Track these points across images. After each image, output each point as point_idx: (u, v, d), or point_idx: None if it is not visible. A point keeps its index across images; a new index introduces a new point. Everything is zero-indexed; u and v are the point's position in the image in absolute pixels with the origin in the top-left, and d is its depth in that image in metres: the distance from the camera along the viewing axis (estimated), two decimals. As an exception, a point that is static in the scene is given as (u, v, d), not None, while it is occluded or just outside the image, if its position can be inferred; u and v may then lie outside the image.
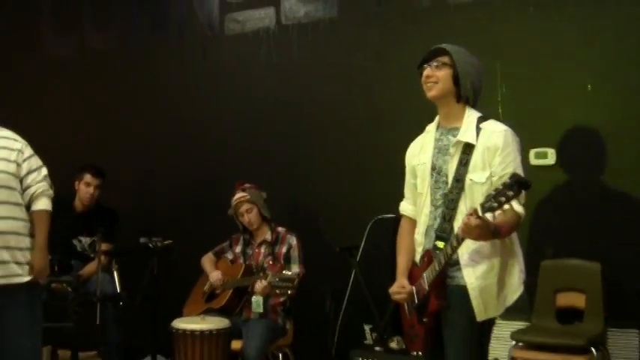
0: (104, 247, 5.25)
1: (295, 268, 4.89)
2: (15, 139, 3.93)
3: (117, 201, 5.94)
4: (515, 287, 3.13)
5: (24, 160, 3.87)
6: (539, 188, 4.73)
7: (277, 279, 4.47)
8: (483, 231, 2.88)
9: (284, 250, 5.01)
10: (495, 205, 2.79)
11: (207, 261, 5.30)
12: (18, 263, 3.78)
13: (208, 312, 4.94)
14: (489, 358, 4.54)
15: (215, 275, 5.10)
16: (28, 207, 3.89)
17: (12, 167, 3.82)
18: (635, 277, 4.49)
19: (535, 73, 4.88)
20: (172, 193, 6.21)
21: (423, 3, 5.27)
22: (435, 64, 3.20)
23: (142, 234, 5.20)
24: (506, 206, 2.80)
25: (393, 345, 4.76)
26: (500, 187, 2.79)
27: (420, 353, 3.91)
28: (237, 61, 6.04)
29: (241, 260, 5.12)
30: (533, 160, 4.76)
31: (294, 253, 5.00)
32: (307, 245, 5.09)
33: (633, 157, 4.59)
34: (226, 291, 4.99)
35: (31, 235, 3.88)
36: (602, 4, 4.72)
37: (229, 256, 5.25)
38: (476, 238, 2.96)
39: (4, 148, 3.86)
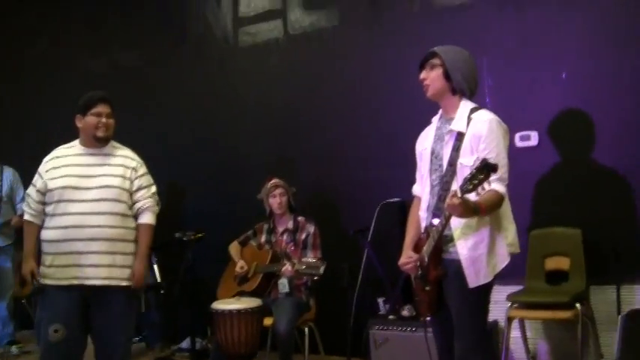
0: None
1: (310, 255, 5.15)
2: (132, 158, 4.19)
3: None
4: (503, 257, 3.37)
5: (136, 178, 4.12)
6: (525, 167, 4.94)
7: (303, 267, 4.78)
8: (465, 209, 3.15)
9: (303, 236, 5.31)
10: (470, 187, 3.04)
11: (233, 249, 5.56)
12: (124, 266, 4.02)
13: (241, 294, 5.23)
14: (489, 320, 5.10)
15: (239, 265, 5.39)
16: (136, 217, 4.13)
17: (126, 184, 4.07)
18: (611, 240, 4.80)
19: (516, 65, 5.18)
20: (200, 190, 6.53)
21: (413, 8, 5.59)
22: (427, 66, 3.51)
23: (177, 229, 5.59)
24: (480, 189, 3.03)
25: (405, 313, 5.09)
26: (474, 171, 3.03)
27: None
28: (251, 68, 6.39)
29: (267, 247, 5.39)
30: (519, 143, 5.06)
31: (311, 240, 5.28)
32: (325, 229, 5.42)
33: (604, 135, 4.89)
34: (256, 275, 5.27)
35: (136, 240, 4.12)
36: (570, 1, 5.02)
37: (254, 243, 5.52)
38: (460, 216, 3.22)
39: (122, 165, 4.11)
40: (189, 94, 6.69)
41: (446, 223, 3.32)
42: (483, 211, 3.25)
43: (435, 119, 3.64)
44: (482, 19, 5.32)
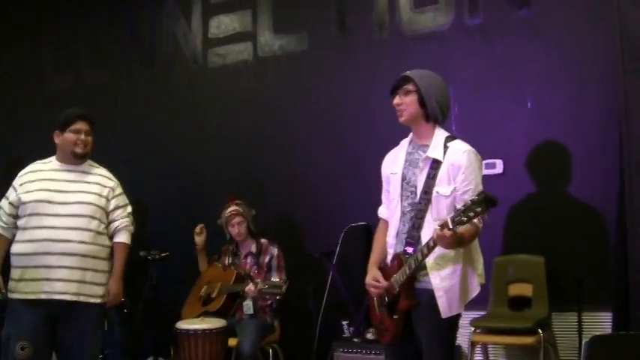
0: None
1: (275, 276, 5.15)
2: (109, 178, 4.22)
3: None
4: (474, 288, 3.36)
5: (113, 197, 4.16)
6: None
7: (266, 286, 4.77)
8: (454, 240, 3.10)
9: (267, 259, 5.32)
10: (465, 219, 2.99)
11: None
12: (93, 283, 4.01)
13: (205, 315, 5.21)
14: (453, 346, 5.14)
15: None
16: (111, 237, 4.16)
17: (102, 202, 4.09)
18: (573, 267, 4.87)
19: (482, 93, 5.26)
20: (166, 210, 6.44)
21: (383, 35, 5.66)
22: (401, 91, 3.41)
23: (142, 248, 5.51)
24: (476, 220, 3.01)
25: (369, 336, 5.07)
26: (469, 202, 2.98)
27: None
28: (220, 90, 6.39)
29: (232, 268, 5.38)
30: (484, 170, 4.77)
31: (275, 262, 5.30)
32: (290, 252, 5.44)
33: (568, 164, 5.00)
34: (221, 296, 5.25)
35: (108, 258, 4.14)
36: (536, 32, 5.13)
37: (219, 264, 5.52)
38: (446, 247, 3.16)
39: (99, 184, 4.13)
40: (156, 112, 6.65)
41: (428, 253, 3.24)
42: (465, 243, 3.23)
43: (405, 142, 3.56)
44: (451, 47, 5.41)
